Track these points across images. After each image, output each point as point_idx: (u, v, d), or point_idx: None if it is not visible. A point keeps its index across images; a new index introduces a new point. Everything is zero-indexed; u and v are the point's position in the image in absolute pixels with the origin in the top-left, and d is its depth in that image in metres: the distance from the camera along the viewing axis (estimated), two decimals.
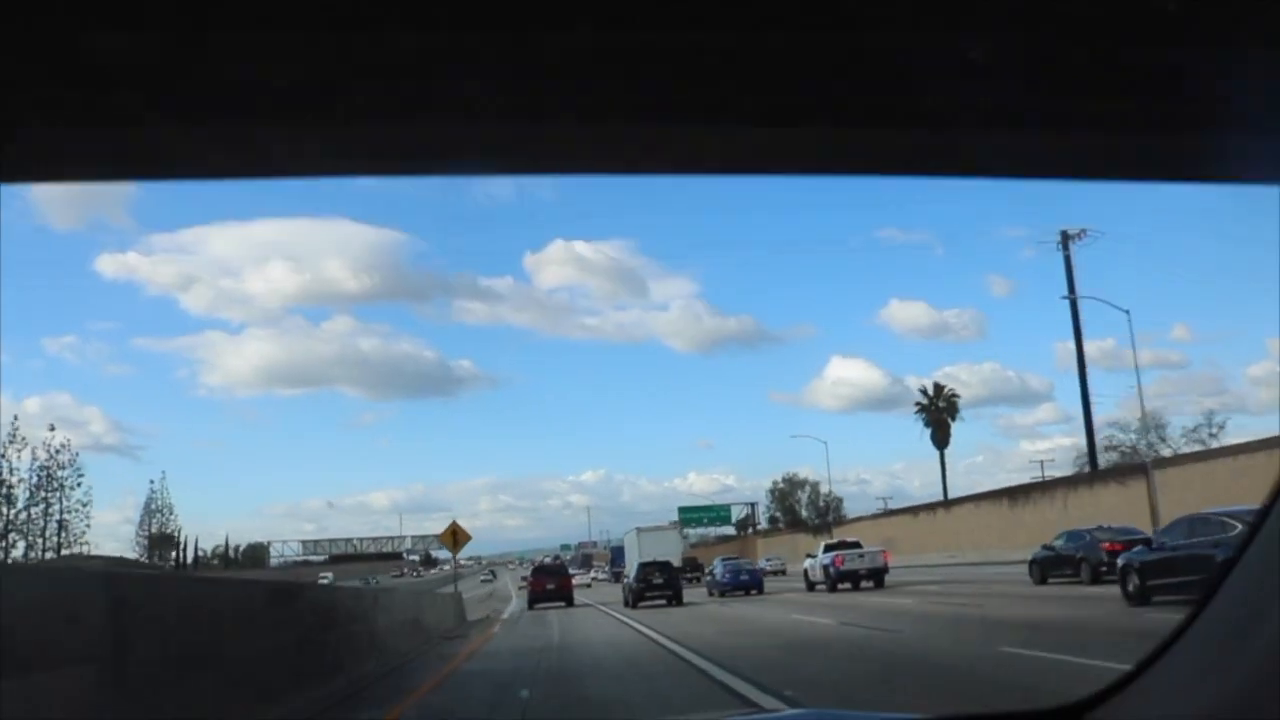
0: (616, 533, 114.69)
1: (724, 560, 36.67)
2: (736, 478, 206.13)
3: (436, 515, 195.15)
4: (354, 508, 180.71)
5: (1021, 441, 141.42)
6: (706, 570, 41.81)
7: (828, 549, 30.78)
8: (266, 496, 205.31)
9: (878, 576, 28.56)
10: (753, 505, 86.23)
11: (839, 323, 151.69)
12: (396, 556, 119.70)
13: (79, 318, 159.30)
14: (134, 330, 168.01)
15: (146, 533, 78.89)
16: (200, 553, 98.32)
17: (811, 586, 30.91)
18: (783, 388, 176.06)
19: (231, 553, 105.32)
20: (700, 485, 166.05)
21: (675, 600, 28.73)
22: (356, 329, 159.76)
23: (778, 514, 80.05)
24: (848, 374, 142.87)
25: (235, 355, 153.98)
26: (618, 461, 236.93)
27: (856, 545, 31.26)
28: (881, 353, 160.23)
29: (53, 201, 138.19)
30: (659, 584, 29.02)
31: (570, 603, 33.24)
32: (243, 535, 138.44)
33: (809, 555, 33.73)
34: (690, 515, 79.55)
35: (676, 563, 37.09)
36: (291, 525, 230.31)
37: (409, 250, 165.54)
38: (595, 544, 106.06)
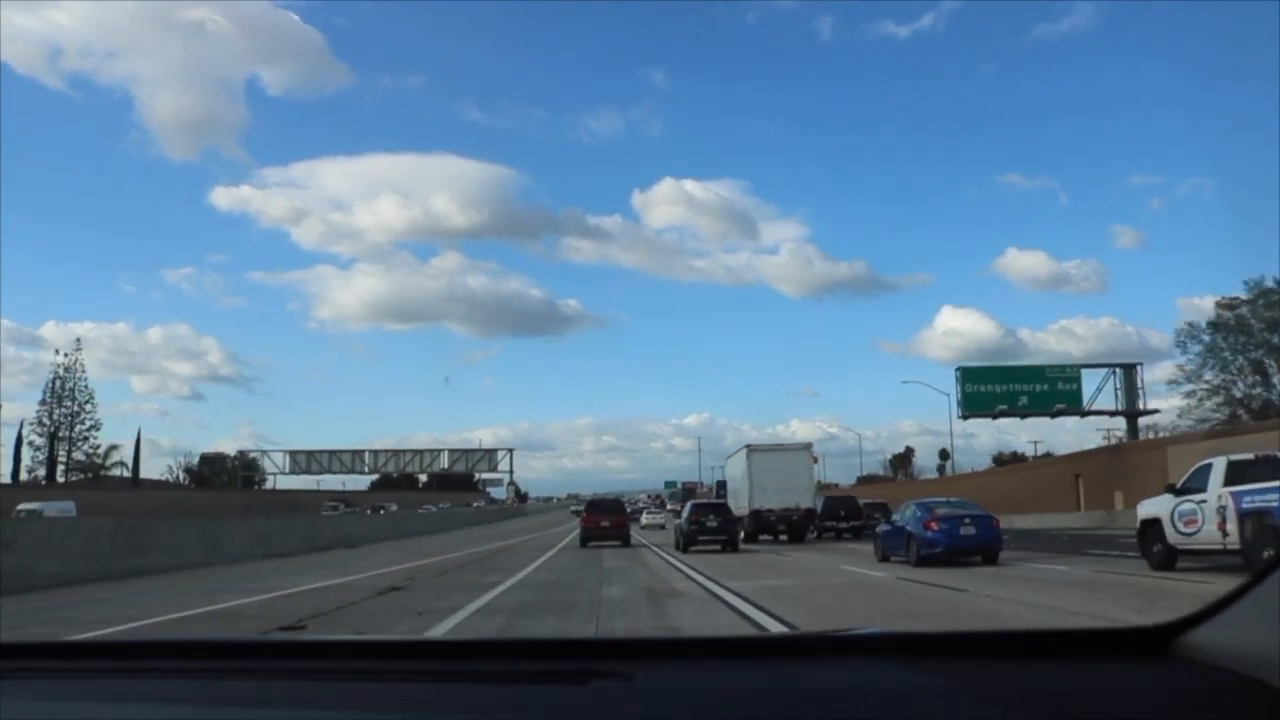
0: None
1: (924, 504, 19.99)
2: (840, 426, 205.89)
3: (542, 454, 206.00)
4: (459, 444, 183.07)
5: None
6: (891, 518, 22.63)
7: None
8: (375, 431, 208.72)
9: None
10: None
11: (953, 271, 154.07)
12: (467, 485, 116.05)
13: (196, 250, 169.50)
14: (247, 263, 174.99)
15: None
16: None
17: None
18: (892, 336, 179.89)
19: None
20: (803, 433, 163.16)
21: (729, 547, 25.81)
22: (464, 266, 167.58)
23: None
24: (959, 324, 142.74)
25: (345, 290, 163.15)
26: (721, 406, 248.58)
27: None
28: (995, 303, 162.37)
29: (168, 131, 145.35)
30: (712, 527, 26.31)
31: (626, 542, 31.20)
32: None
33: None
34: None
35: (807, 502, 31.78)
36: None
37: (517, 186, 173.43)
38: (701, 483, 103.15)
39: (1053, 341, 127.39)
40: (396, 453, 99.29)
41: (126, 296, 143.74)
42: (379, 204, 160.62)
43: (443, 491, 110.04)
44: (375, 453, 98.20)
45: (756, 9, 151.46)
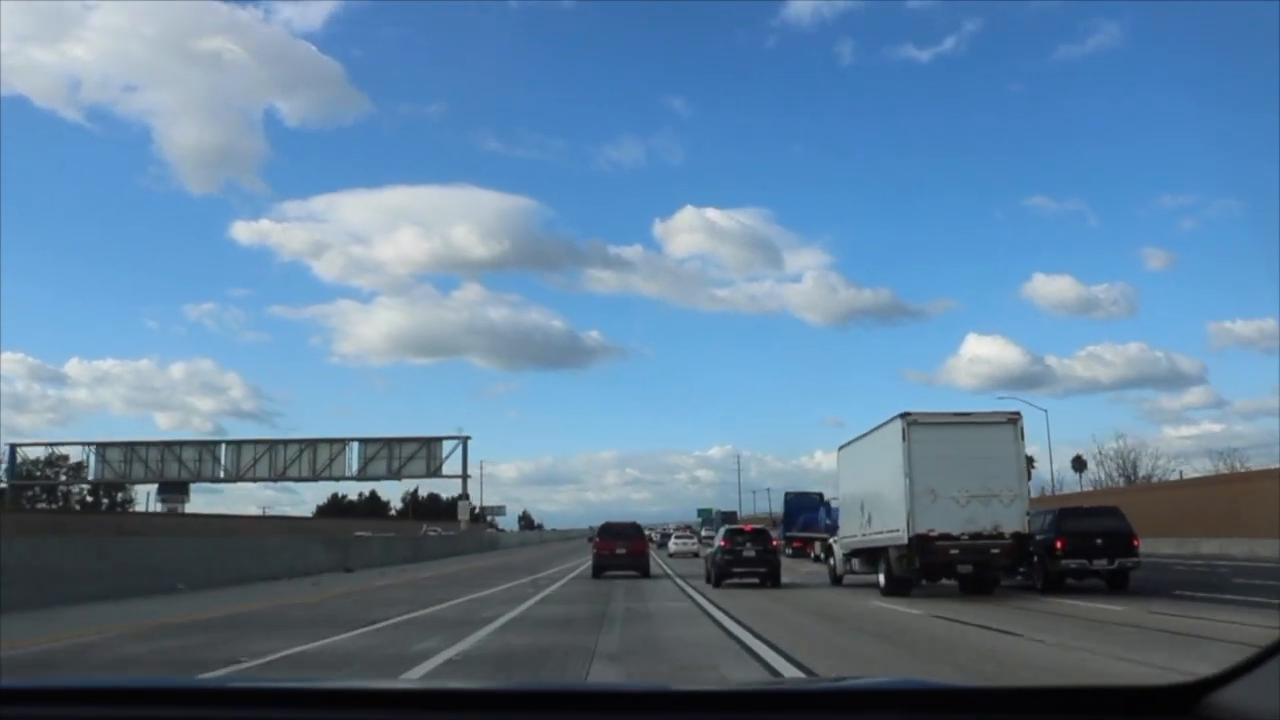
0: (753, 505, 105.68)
1: None
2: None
3: (565, 487, 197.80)
4: (483, 479, 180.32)
5: (1164, 427, 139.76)
6: None
7: None
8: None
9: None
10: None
11: (979, 297, 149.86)
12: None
13: (218, 284, 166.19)
14: (269, 298, 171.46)
15: None
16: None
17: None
18: (917, 365, 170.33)
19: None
20: (828, 464, 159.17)
21: (769, 581, 22.43)
22: (486, 298, 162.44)
23: None
24: (985, 351, 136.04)
25: (366, 324, 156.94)
26: (744, 437, 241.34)
27: None
28: (1022, 330, 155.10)
29: (188, 164, 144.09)
30: (749, 557, 22.73)
31: (645, 572, 27.32)
32: None
33: None
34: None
35: (1016, 521, 18.05)
36: None
37: (538, 217, 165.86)
38: (736, 514, 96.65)
39: (1080, 368, 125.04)
40: (271, 444, 68.70)
41: (149, 332, 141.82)
42: (399, 236, 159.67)
43: (421, 520, 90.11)
44: (238, 444, 69.21)
45: (776, 34, 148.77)
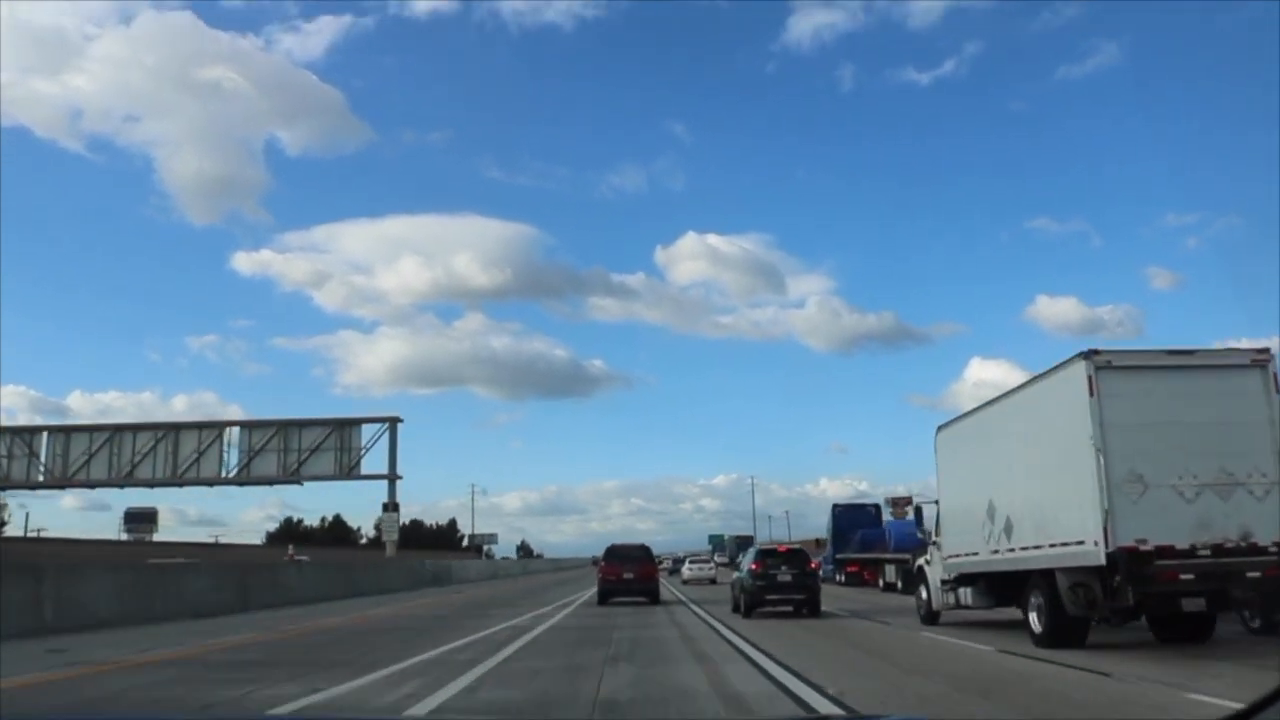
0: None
1: None
2: (870, 483, 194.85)
3: (570, 517, 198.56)
4: (486, 510, 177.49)
5: None
6: None
7: None
8: (406, 496, 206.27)
9: None
10: None
11: (984, 320, 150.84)
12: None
13: (220, 316, 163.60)
14: (271, 329, 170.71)
15: None
16: None
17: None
18: (922, 390, 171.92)
19: None
20: (833, 491, 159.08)
21: (809, 609, 19.59)
22: (488, 327, 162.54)
23: None
24: (989, 375, 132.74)
25: (369, 354, 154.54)
26: (749, 465, 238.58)
27: None
28: (1026, 353, 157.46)
29: (189, 194, 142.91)
30: (785, 582, 19.61)
31: (655, 599, 25.01)
32: None
33: None
34: None
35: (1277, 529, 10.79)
36: None
37: (540, 245, 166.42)
38: (753, 538, 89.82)
39: None
40: (114, 430, 46.76)
41: (151, 365, 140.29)
42: (401, 265, 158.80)
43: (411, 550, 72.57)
44: (66, 432, 47.33)
45: (777, 59, 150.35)
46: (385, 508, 47.94)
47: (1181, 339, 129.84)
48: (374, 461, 46.50)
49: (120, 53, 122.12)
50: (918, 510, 19.11)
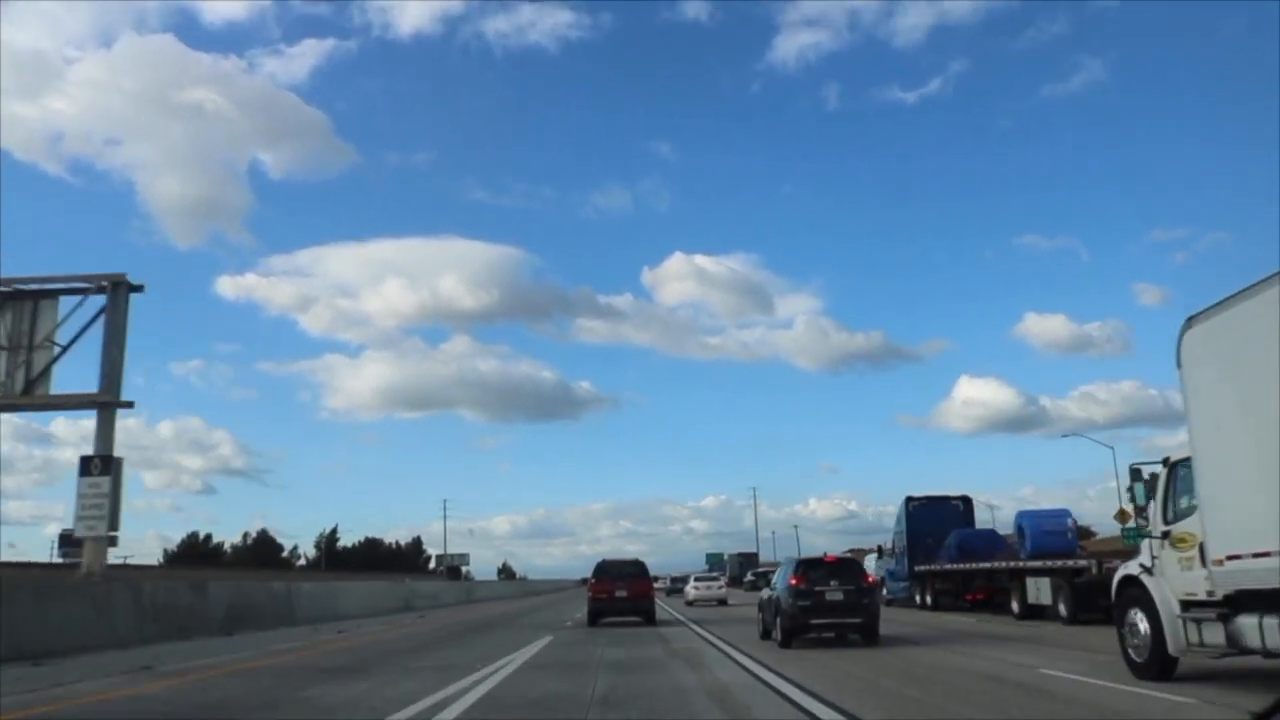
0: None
1: None
2: (859, 503, 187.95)
3: (558, 540, 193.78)
4: (476, 533, 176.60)
5: None
6: None
7: None
8: (391, 519, 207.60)
9: None
10: None
11: (972, 338, 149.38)
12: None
13: (205, 340, 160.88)
14: (256, 353, 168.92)
15: None
16: None
17: None
18: (910, 409, 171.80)
19: None
20: (822, 511, 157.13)
21: (867, 636, 16.22)
22: (475, 350, 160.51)
23: None
24: (978, 394, 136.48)
25: (355, 378, 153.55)
26: (738, 486, 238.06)
27: None
28: (1015, 371, 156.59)
29: (172, 217, 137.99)
30: (836, 601, 16.02)
31: (650, 619, 23.41)
32: None
33: None
34: None
35: None
36: None
37: (526, 266, 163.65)
38: (757, 555, 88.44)
39: (1075, 408, 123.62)
40: None
41: (136, 390, 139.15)
42: (386, 288, 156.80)
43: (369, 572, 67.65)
44: None
45: (762, 79, 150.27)
46: (84, 468, 22.21)
47: (1171, 356, 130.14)
48: (76, 371, 24.64)
49: (101, 75, 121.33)
50: (1151, 478, 10.94)
